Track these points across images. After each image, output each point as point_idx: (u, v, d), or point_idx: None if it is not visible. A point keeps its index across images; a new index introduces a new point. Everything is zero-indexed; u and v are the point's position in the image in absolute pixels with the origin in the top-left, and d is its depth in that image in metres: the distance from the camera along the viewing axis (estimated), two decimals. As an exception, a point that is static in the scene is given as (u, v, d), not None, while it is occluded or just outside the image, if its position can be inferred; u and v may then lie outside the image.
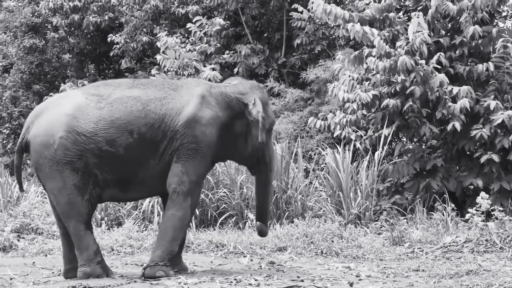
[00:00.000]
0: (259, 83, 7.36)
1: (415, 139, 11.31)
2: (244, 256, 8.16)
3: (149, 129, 6.43)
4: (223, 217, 10.21)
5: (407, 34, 10.45)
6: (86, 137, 6.33)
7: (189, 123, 6.51)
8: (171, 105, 6.54)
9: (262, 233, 7.43)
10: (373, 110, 11.09)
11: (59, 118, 6.39)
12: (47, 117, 6.46)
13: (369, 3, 12.36)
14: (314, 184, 11.06)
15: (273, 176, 7.72)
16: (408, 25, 10.54)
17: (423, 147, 11.21)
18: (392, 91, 10.63)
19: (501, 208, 9.09)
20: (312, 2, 10.82)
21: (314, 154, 12.60)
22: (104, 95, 6.52)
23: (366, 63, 10.57)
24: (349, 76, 11.07)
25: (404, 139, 11.58)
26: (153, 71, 13.16)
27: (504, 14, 11.96)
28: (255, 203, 7.59)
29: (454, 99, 10.24)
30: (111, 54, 18.53)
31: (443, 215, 9.45)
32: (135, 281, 6.27)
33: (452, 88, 10.21)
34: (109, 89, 6.61)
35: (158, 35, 13.41)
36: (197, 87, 6.82)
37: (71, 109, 6.43)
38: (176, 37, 12.87)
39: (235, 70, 16.09)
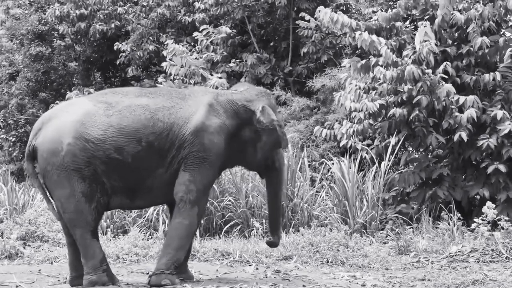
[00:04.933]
0: (266, 90, 7.34)
1: (421, 149, 11.28)
2: (250, 265, 8.15)
3: (157, 138, 6.43)
4: (228, 225, 10.21)
5: (414, 43, 10.44)
6: (95, 144, 6.33)
7: (197, 132, 6.51)
8: (179, 114, 6.55)
9: (271, 244, 7.52)
10: (379, 120, 11.07)
11: (67, 124, 6.38)
12: (55, 124, 6.45)
13: (376, 12, 12.35)
14: (320, 193, 11.04)
15: (284, 183, 7.75)
16: (415, 34, 10.54)
17: (429, 156, 11.18)
18: (399, 101, 10.61)
19: (507, 218, 9.08)
20: (319, 11, 10.82)
21: (320, 164, 12.58)
22: (113, 102, 6.52)
23: (373, 72, 10.55)
24: (356, 85, 11.05)
25: (410, 149, 11.56)
26: (160, 79, 13.15)
27: (511, 23, 11.94)
28: (268, 213, 7.67)
29: (461, 109, 10.22)
30: (118, 62, 18.54)
31: (449, 225, 9.43)
32: (140, 289, 6.28)
33: (459, 98, 10.18)
34: (117, 97, 6.61)
35: (165, 43, 13.42)
36: (204, 95, 6.83)
37: (80, 115, 6.42)
38: (183, 45, 12.86)
39: (242, 79, 16.09)
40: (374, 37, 10.42)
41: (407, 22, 12.66)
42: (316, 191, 11.05)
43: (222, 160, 6.73)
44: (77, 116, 6.43)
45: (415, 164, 10.96)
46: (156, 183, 6.55)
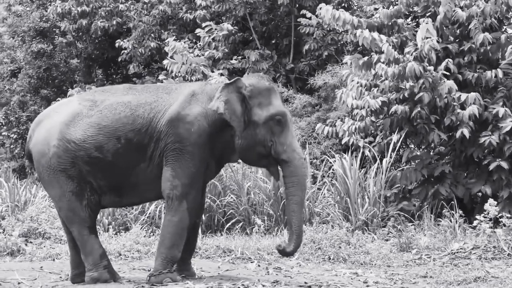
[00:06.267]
0: (264, 74, 7.07)
1: (423, 146, 11.27)
2: (252, 262, 8.15)
3: (136, 134, 6.37)
4: (230, 223, 10.21)
5: (415, 40, 10.43)
6: (76, 144, 6.35)
7: (171, 122, 6.36)
8: (159, 108, 6.44)
9: (281, 252, 6.60)
10: (381, 117, 11.06)
11: (55, 126, 6.46)
12: (46, 125, 6.54)
13: (377, 8, 12.33)
14: (322, 191, 11.03)
15: (304, 177, 6.72)
16: (416, 31, 10.53)
17: (431, 153, 11.16)
18: (401, 97, 10.60)
19: (509, 215, 9.07)
20: (321, 8, 10.81)
21: (321, 161, 12.58)
22: (98, 101, 6.52)
23: (375, 69, 10.54)
24: (357, 82, 11.03)
25: (412, 146, 11.55)
26: (161, 77, 13.14)
27: (513, 20, 11.93)
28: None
29: (463, 106, 10.21)
30: (119, 59, 18.56)
31: (451, 222, 9.43)
32: (142, 286, 6.27)
33: (461, 95, 10.17)
34: (104, 95, 6.59)
35: (166, 40, 13.41)
36: (189, 87, 6.68)
37: (65, 116, 6.48)
38: (184, 42, 12.84)
39: (244, 76, 16.07)
40: (375, 34, 10.40)
41: (409, 19, 12.64)
42: (318, 188, 11.04)
43: (205, 150, 6.44)
44: (63, 117, 6.48)
45: (417, 161, 10.94)
46: (140, 179, 6.50)
